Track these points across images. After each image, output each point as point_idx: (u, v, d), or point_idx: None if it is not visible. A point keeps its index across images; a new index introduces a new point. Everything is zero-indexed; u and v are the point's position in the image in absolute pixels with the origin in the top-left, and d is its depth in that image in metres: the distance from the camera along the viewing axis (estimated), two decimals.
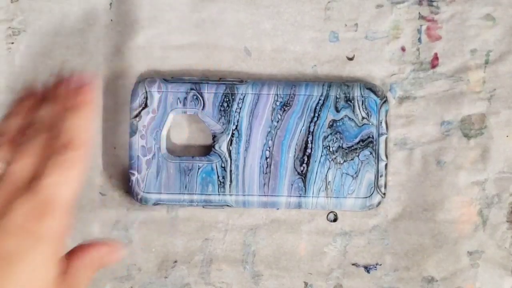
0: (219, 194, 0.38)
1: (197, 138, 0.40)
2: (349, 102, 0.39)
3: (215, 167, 0.38)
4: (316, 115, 0.39)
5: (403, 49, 0.40)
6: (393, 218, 0.40)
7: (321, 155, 0.39)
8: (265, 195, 0.38)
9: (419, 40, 0.40)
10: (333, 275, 0.40)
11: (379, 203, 0.39)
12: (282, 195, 0.38)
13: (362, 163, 0.39)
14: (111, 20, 0.40)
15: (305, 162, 0.39)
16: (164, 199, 0.38)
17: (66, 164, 0.25)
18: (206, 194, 0.38)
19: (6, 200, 0.24)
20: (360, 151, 0.39)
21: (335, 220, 0.40)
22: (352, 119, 0.39)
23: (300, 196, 0.38)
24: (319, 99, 0.39)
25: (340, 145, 0.39)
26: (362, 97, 0.39)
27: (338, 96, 0.39)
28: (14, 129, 0.27)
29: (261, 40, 0.40)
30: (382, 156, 0.39)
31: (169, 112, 0.38)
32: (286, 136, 0.38)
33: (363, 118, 0.39)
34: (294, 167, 0.38)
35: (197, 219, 0.40)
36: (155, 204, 0.38)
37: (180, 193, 0.38)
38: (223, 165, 0.38)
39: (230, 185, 0.38)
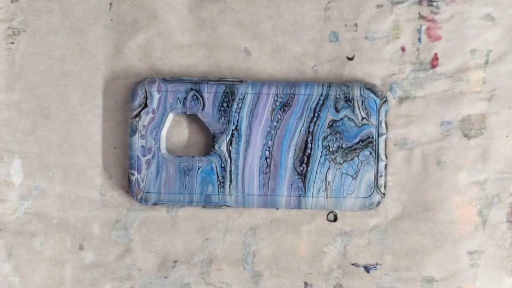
0: (219, 194, 0.38)
1: (197, 138, 0.40)
2: (348, 102, 0.39)
3: (214, 167, 0.38)
4: (316, 115, 0.39)
5: (403, 49, 0.40)
6: (393, 218, 0.40)
7: (321, 155, 0.39)
8: (265, 195, 0.38)
9: (419, 40, 0.40)
10: (333, 275, 0.40)
11: (379, 203, 0.39)
12: (282, 195, 0.38)
13: (361, 163, 0.39)
14: (111, 20, 0.40)
15: (304, 162, 0.39)
16: (164, 199, 0.38)
17: None
18: (206, 194, 0.38)
19: None
20: (360, 151, 0.39)
21: (335, 220, 0.40)
22: (352, 119, 0.39)
23: (300, 196, 0.38)
24: (319, 99, 0.39)
25: (340, 145, 0.39)
26: (362, 97, 0.39)
27: (337, 96, 0.39)
28: None
29: (261, 40, 0.40)
30: (382, 156, 0.39)
31: (169, 112, 0.38)
32: (285, 136, 0.38)
33: (362, 118, 0.39)
34: (294, 167, 0.39)
35: (197, 219, 0.40)
36: (155, 204, 0.38)
37: (180, 193, 0.38)
38: (222, 165, 0.38)
39: (230, 185, 0.38)
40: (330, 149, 0.39)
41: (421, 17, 0.40)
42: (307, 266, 0.40)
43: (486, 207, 0.40)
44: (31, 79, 0.40)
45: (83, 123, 0.40)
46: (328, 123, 0.39)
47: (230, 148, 0.38)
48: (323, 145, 0.39)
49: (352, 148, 0.39)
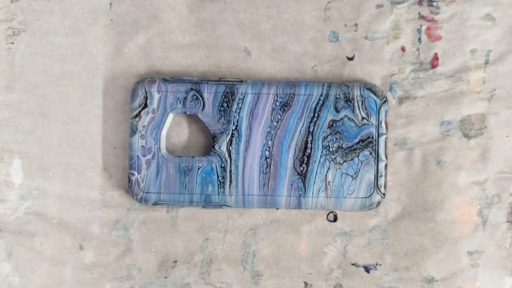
0: (219, 194, 0.38)
1: (197, 138, 0.40)
2: (349, 102, 0.39)
3: (215, 167, 0.38)
4: (316, 115, 0.39)
5: (403, 49, 0.40)
6: (393, 218, 0.40)
7: (321, 155, 0.39)
8: (265, 195, 0.38)
9: (419, 40, 0.40)
10: (333, 275, 0.40)
11: (379, 203, 0.39)
12: (282, 195, 0.38)
13: (361, 163, 0.39)
14: (111, 20, 0.40)
15: (304, 162, 0.39)
16: (164, 199, 0.38)
17: None
18: (206, 194, 0.38)
19: None
20: (360, 151, 0.39)
21: (335, 220, 0.40)
22: (352, 119, 0.39)
23: (300, 196, 0.38)
24: (319, 99, 0.39)
25: (340, 145, 0.39)
26: (362, 97, 0.39)
27: (337, 96, 0.39)
28: None
29: (261, 40, 0.40)
30: (382, 156, 0.39)
31: (169, 112, 0.38)
32: (285, 136, 0.39)
33: (362, 118, 0.39)
34: (294, 167, 0.39)
35: (197, 219, 0.40)
36: (155, 204, 0.38)
37: (180, 193, 0.38)
38: (222, 165, 0.38)
39: (230, 185, 0.38)
40: (330, 149, 0.39)
41: (421, 17, 0.40)
42: (307, 266, 0.40)
43: (486, 207, 0.40)
44: (31, 79, 0.40)
45: (83, 123, 0.40)
46: (328, 123, 0.39)
47: (230, 148, 0.38)
48: (323, 145, 0.39)
49: (352, 148, 0.39)
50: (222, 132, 0.38)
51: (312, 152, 0.39)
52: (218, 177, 0.38)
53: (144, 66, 0.40)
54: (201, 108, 0.38)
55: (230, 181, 0.38)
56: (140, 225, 0.40)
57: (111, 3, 0.40)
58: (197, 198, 0.38)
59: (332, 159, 0.39)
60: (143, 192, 0.38)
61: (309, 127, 0.39)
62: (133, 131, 0.38)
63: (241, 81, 0.39)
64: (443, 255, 0.40)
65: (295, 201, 0.39)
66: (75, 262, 0.40)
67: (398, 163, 0.40)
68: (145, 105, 0.38)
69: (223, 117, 0.38)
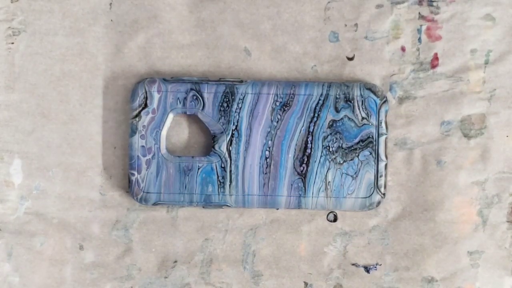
0: (219, 194, 0.38)
1: (197, 138, 0.40)
2: (349, 102, 0.39)
3: (215, 167, 0.38)
4: (316, 115, 0.39)
5: (403, 49, 0.40)
6: (393, 218, 0.40)
7: (321, 155, 0.39)
8: (265, 195, 0.38)
9: (419, 40, 0.40)
10: (333, 275, 0.40)
11: (379, 203, 0.39)
12: (282, 195, 0.38)
13: (361, 163, 0.39)
14: (111, 20, 0.40)
15: (304, 162, 0.39)
16: (164, 199, 0.38)
17: None
18: (206, 194, 0.38)
19: None
20: (360, 151, 0.39)
21: (335, 220, 0.40)
22: (352, 119, 0.39)
23: (300, 196, 0.38)
24: (319, 99, 0.39)
25: (340, 145, 0.39)
26: (362, 97, 0.39)
27: (337, 96, 0.39)
28: None
29: (261, 40, 0.40)
30: (382, 156, 0.39)
31: (169, 112, 0.38)
32: (285, 136, 0.39)
33: (362, 118, 0.39)
34: (294, 167, 0.39)
35: (197, 219, 0.40)
36: (155, 204, 0.38)
37: (180, 193, 0.38)
38: (223, 165, 0.38)
39: (230, 185, 0.38)
40: (330, 149, 0.39)
41: (421, 17, 0.40)
42: (307, 266, 0.40)
43: (486, 207, 0.40)
44: (31, 79, 0.40)
45: (83, 123, 0.40)
46: (328, 123, 0.39)
47: (230, 148, 0.38)
48: (323, 145, 0.39)
49: (352, 148, 0.39)
50: (222, 132, 0.38)
51: (312, 152, 0.39)
52: (218, 177, 0.38)
53: (144, 66, 0.40)
54: (201, 108, 0.38)
55: (230, 181, 0.38)
56: (140, 225, 0.40)
57: (111, 3, 0.40)
58: (197, 198, 0.38)
59: (332, 159, 0.39)
60: (143, 192, 0.38)
61: (309, 127, 0.39)
62: (133, 131, 0.38)
63: (241, 81, 0.39)
64: (443, 255, 0.40)
65: (295, 201, 0.39)
66: (75, 262, 0.40)
67: (398, 163, 0.40)
68: (145, 105, 0.38)
69: (223, 117, 0.38)
